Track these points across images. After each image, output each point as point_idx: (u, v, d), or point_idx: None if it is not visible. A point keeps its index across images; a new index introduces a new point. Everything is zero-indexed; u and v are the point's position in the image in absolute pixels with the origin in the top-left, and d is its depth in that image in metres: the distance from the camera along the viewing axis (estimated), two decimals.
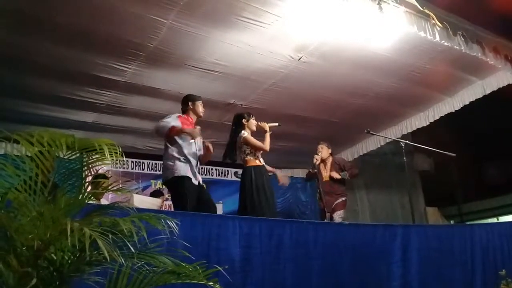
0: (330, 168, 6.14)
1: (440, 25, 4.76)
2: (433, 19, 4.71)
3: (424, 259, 4.26)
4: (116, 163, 6.63)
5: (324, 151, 6.15)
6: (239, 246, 3.25)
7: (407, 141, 5.83)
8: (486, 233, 4.91)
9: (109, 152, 1.81)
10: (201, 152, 4.49)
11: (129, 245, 1.74)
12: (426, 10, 4.67)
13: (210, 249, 3.13)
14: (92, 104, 5.75)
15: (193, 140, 4.33)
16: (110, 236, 1.63)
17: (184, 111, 4.52)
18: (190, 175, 4.20)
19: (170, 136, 4.21)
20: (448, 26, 4.86)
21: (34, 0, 3.95)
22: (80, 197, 1.90)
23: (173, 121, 4.23)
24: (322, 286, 3.58)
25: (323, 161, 6.16)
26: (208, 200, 4.36)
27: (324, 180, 6.10)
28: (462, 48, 5.06)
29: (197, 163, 4.37)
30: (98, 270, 1.88)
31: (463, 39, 5.06)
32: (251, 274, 3.25)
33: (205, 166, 7.78)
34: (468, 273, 4.57)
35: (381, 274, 4.00)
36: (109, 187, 2.21)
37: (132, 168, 7.40)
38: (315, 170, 6.05)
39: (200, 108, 4.53)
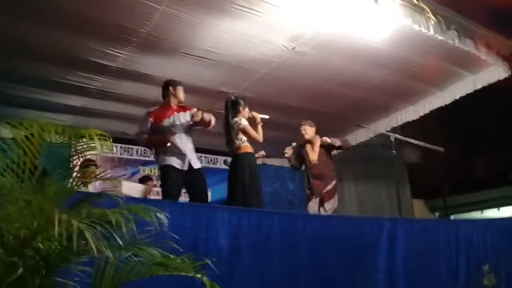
0: (319, 148, 5.53)
1: (435, 19, 4.76)
2: (428, 13, 4.71)
3: (410, 252, 4.30)
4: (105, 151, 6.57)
5: (308, 132, 5.54)
6: (227, 236, 3.26)
7: (396, 135, 5.78)
8: (471, 228, 4.98)
9: (98, 141, 1.80)
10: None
11: (116, 237, 1.73)
12: (421, 4, 4.67)
13: (199, 239, 3.14)
14: (82, 88, 5.67)
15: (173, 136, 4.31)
16: (98, 227, 1.61)
17: (164, 96, 4.46)
18: (174, 163, 4.27)
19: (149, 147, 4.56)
20: (442, 20, 4.87)
21: None
22: (69, 185, 1.89)
23: (144, 126, 4.35)
24: (310, 278, 3.61)
25: (309, 142, 5.57)
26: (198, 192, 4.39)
27: (312, 163, 5.50)
28: (456, 42, 5.07)
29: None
30: (86, 260, 1.87)
31: (456, 33, 5.08)
32: (239, 265, 3.26)
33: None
34: (453, 267, 4.63)
35: (367, 267, 4.04)
36: (98, 175, 2.20)
37: (121, 154, 7.34)
38: (292, 162, 5.70)
39: (181, 93, 4.45)
